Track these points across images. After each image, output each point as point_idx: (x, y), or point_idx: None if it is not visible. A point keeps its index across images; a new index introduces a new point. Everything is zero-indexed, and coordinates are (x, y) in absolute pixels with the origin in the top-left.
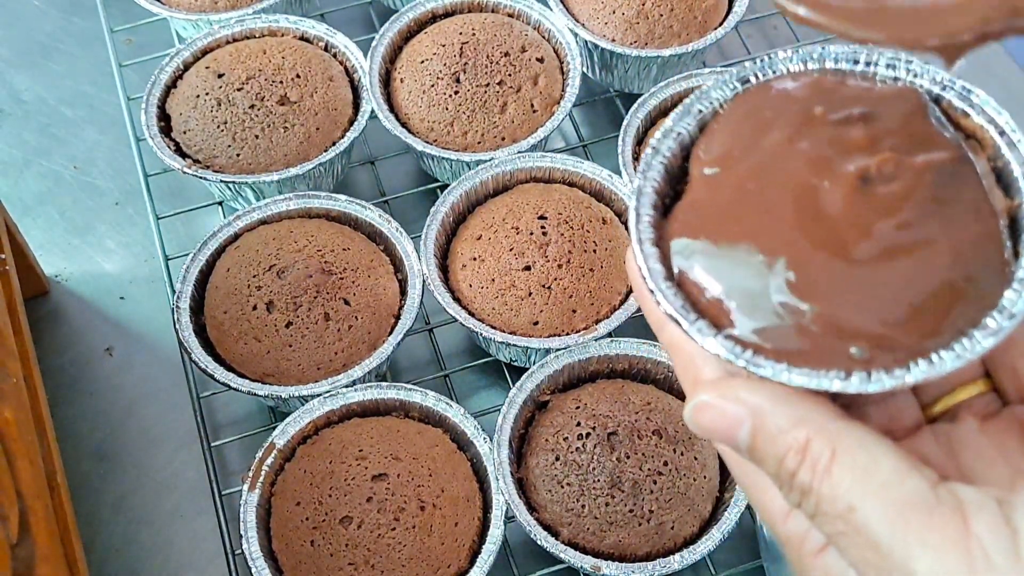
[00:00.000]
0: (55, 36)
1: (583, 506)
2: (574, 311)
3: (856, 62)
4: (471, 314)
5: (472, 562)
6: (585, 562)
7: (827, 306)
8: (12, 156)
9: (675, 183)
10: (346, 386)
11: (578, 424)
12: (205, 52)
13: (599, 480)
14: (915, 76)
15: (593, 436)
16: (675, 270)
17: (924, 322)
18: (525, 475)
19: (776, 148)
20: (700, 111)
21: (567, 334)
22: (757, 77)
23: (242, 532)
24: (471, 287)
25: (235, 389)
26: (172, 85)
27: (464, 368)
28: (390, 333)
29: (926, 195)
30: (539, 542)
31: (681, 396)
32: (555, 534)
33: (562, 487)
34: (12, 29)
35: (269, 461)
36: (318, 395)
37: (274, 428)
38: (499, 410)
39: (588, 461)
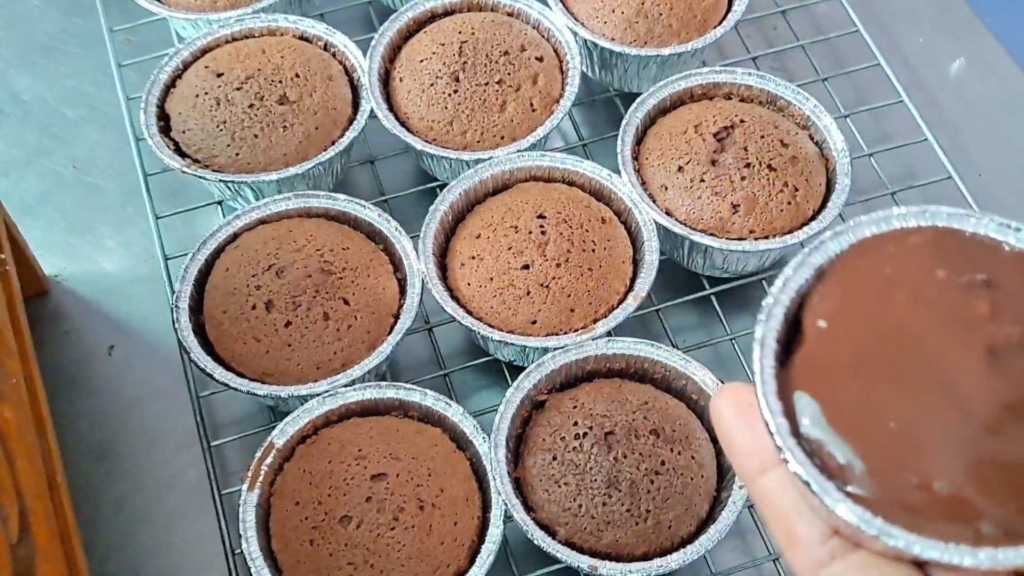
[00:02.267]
0: (55, 36)
1: (580, 505)
2: (572, 310)
3: (967, 223)
4: (469, 313)
5: (471, 562)
6: (582, 562)
7: (957, 481)
8: (12, 156)
9: (792, 332)
10: (345, 386)
11: (575, 423)
12: (204, 52)
13: (596, 479)
14: None
15: (590, 435)
16: (800, 427)
17: None
18: (522, 475)
19: (899, 309)
20: (817, 263)
21: (565, 333)
22: (873, 231)
23: (241, 532)
24: (469, 286)
25: (234, 389)
26: (171, 85)
27: (464, 367)
28: (389, 332)
29: None
30: (536, 542)
31: (679, 396)
32: (552, 534)
33: (559, 486)
34: (12, 29)
35: (268, 461)
36: (317, 395)
37: (273, 428)
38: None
39: (585, 460)
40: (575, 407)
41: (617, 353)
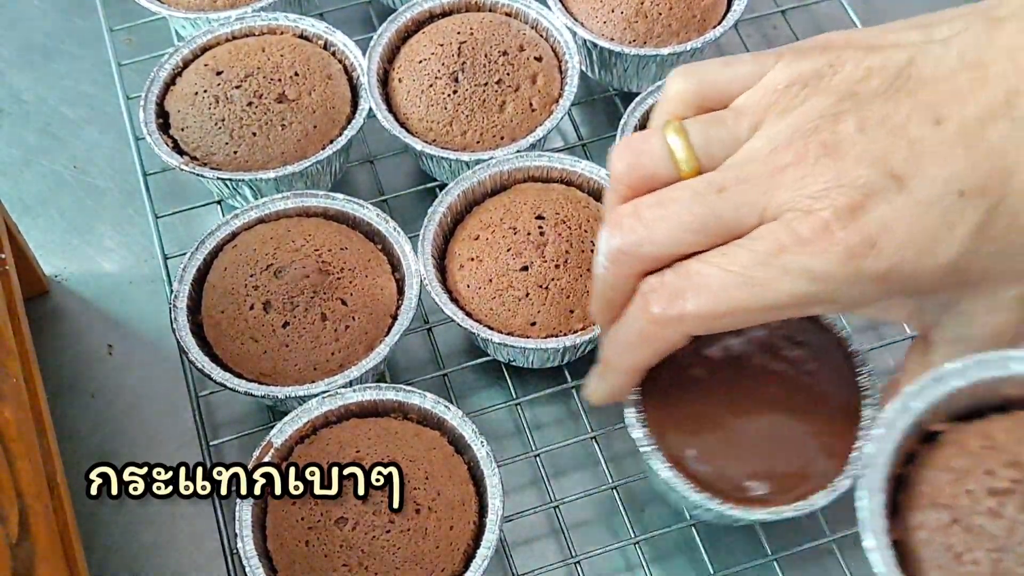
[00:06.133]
0: (55, 36)
1: None
2: (572, 311)
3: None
4: (468, 315)
5: (466, 566)
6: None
7: (712, 458)
8: (12, 156)
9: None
10: (343, 386)
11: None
12: (204, 50)
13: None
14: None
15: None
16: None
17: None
18: (902, 536)
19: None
20: None
21: (565, 334)
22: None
23: (237, 531)
24: (468, 288)
25: (232, 389)
26: (171, 83)
27: (463, 367)
28: (387, 333)
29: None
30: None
31: None
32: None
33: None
34: (12, 29)
35: (266, 460)
36: (314, 395)
37: (272, 427)
38: (499, 410)
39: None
40: (986, 447)
41: None
